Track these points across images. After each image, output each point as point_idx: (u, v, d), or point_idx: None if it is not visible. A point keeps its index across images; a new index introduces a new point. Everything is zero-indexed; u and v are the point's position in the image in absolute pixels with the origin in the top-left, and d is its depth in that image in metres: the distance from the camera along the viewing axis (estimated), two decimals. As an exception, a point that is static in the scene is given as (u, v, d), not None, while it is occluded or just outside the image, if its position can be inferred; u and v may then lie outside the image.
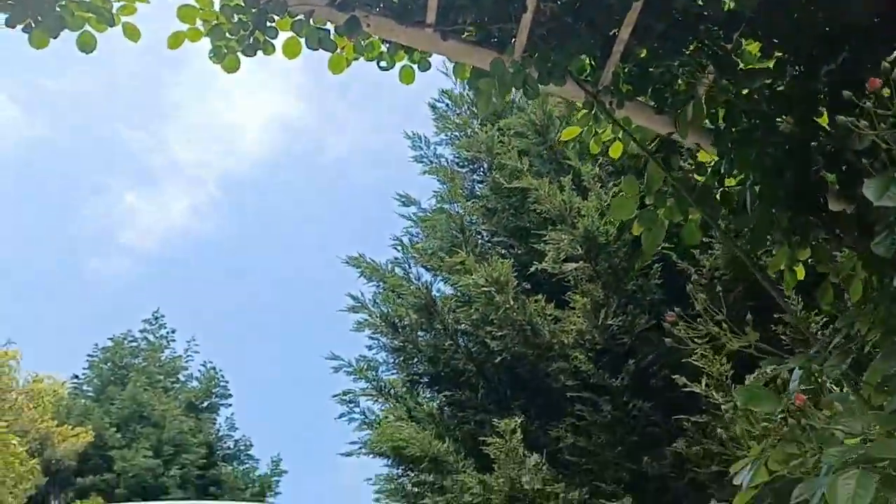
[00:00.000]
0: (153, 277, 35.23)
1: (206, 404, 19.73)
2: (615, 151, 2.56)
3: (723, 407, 3.84)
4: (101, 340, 19.68)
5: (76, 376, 19.53)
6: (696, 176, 2.20)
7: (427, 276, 5.97)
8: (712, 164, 2.17)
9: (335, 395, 5.69)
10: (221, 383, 20.10)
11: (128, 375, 18.53)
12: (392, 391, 5.59)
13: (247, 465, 19.32)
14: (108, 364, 19.15)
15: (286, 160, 40.73)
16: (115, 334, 19.87)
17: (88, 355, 19.74)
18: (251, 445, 19.47)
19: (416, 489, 5.02)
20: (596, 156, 5.06)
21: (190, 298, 33.25)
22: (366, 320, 5.95)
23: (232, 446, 19.34)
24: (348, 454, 5.80)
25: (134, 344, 19.76)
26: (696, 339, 3.88)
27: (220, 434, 19.22)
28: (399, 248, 6.08)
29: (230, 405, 20.25)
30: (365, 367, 5.74)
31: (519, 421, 4.21)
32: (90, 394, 18.78)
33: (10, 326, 19.18)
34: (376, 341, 6.08)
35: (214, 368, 20.13)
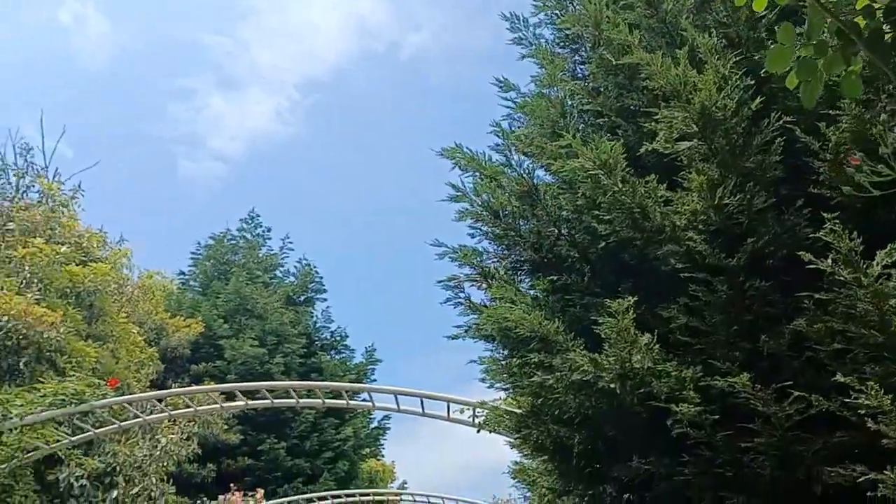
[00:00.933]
0: (242, 180, 36.38)
1: (302, 298, 20.74)
2: (759, 4, 2.38)
3: (850, 283, 3.73)
4: (203, 239, 20.79)
5: (182, 273, 20.83)
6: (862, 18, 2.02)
7: (528, 163, 5.91)
8: (883, 7, 1.99)
9: (440, 281, 5.86)
10: (316, 279, 21.01)
11: (230, 271, 19.60)
12: (497, 276, 5.68)
13: (343, 355, 20.40)
14: (211, 261, 20.27)
15: (364, 60, 40.35)
16: (215, 233, 20.92)
17: (192, 253, 20.96)
18: (346, 336, 20.49)
19: (524, 369, 5.19)
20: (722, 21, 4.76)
21: (279, 199, 34.35)
22: (467, 209, 5.99)
23: (328, 337, 20.39)
24: (453, 337, 6.01)
25: (233, 242, 20.76)
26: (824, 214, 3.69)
27: (318, 325, 20.25)
28: (499, 134, 6.00)
29: (325, 299, 21.24)
30: (470, 252, 5.84)
31: (631, 300, 4.22)
32: (196, 289, 20.03)
33: (117, 227, 20.32)
34: (478, 230, 6.14)
35: (309, 264, 21.02)
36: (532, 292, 5.88)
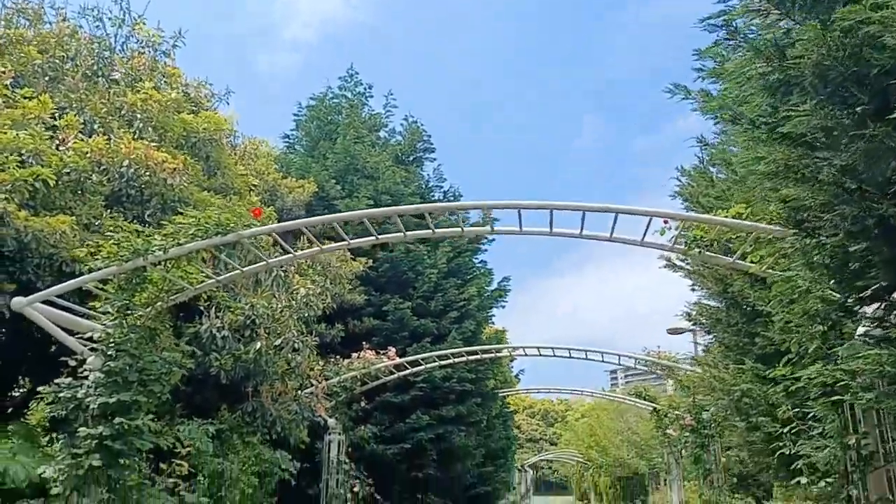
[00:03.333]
0: (321, 68, 34.73)
1: (411, 158, 19.53)
2: None
3: None
4: (304, 100, 19.61)
5: (286, 136, 19.90)
6: None
7: None
8: None
9: (704, 19, 4.33)
10: (424, 136, 19.67)
11: (335, 131, 18.49)
12: None
13: (457, 216, 19.26)
14: (315, 122, 19.18)
15: None
16: (316, 92, 19.70)
17: (294, 115, 19.89)
18: (460, 195, 19.29)
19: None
20: None
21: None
22: None
23: (442, 197, 19.25)
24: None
25: (335, 101, 19.52)
26: None
27: (430, 185, 19.10)
28: None
29: (434, 158, 19.99)
30: None
31: None
32: (302, 152, 19.08)
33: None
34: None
35: (416, 122, 19.64)
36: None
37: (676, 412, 15.07)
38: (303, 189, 16.12)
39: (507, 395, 20.89)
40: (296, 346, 10.44)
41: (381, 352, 14.13)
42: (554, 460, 78.59)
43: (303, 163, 17.55)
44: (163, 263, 6.97)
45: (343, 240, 9.59)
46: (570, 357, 13.82)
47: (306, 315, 10.81)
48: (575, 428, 74.00)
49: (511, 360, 20.73)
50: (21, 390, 11.41)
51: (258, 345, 10.00)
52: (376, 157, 17.80)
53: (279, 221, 15.36)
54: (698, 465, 12.13)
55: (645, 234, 7.57)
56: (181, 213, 9.61)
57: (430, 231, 9.92)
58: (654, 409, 18.88)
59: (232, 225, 7.07)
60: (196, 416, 9.66)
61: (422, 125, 19.60)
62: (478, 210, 18.76)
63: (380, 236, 9.70)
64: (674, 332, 28.09)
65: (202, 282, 7.78)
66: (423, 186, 18.74)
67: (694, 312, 9.55)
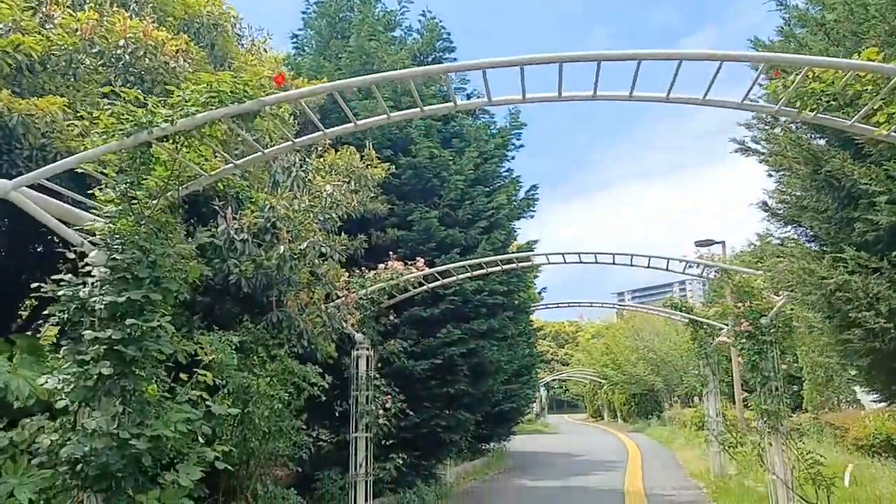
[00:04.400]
0: None
1: (430, 59, 18.03)
2: None
3: None
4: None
5: (295, 35, 18.40)
6: None
7: None
8: None
9: None
10: (443, 35, 18.11)
11: (348, 29, 16.99)
12: None
13: (483, 119, 17.98)
14: (325, 19, 17.65)
15: None
16: (322, -13, 18.07)
17: (303, 13, 18.33)
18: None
19: None
20: None
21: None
22: None
23: (465, 99, 17.86)
24: None
25: (345, -3, 17.90)
26: None
27: (453, 87, 17.63)
28: None
29: (455, 59, 18.47)
30: None
31: None
32: (312, 53, 17.62)
33: None
34: None
35: (435, 18, 18.03)
36: None
37: (724, 321, 14.20)
38: (316, 97, 14.79)
39: (532, 311, 20.04)
40: (323, 250, 9.41)
41: (409, 263, 13.14)
42: (567, 379, 79.44)
43: (314, 63, 16.15)
44: (171, 140, 5.84)
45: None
46: (614, 263, 12.80)
47: (333, 216, 9.75)
48: (588, 348, 74.65)
49: (535, 276, 19.74)
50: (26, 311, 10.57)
51: (281, 249, 8.99)
52: (393, 55, 16.36)
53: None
54: (755, 373, 11.26)
55: (709, 89, 6.10)
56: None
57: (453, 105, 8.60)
58: (691, 320, 18.04)
59: (252, 91, 5.90)
60: (217, 329, 8.75)
61: (440, 23, 18.01)
62: (501, 109, 17.43)
63: (392, 114, 8.10)
64: (702, 244, 27.14)
65: (218, 167, 6.67)
66: (447, 89, 17.30)
67: (773, 201, 8.43)
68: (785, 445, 11.18)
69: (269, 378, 9.20)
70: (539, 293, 23.72)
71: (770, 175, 8.49)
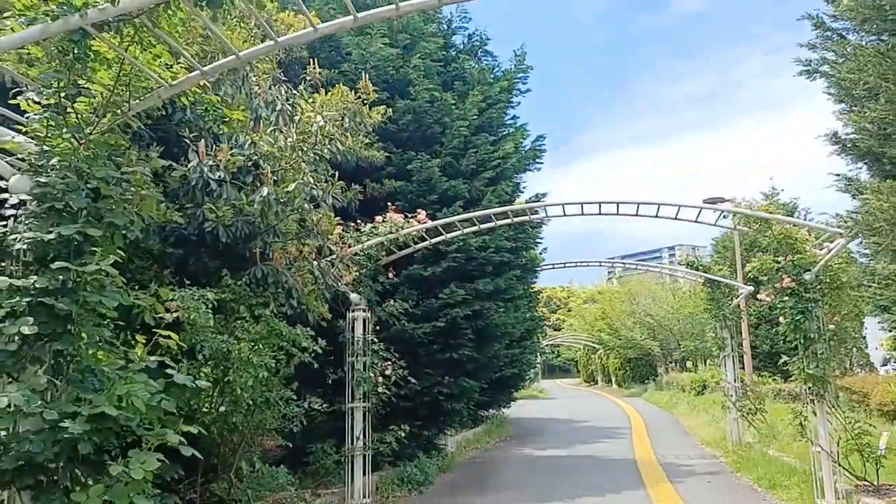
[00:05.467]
0: None
1: (428, -5, 16.49)
2: None
3: None
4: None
5: (280, -31, 16.73)
6: None
7: None
8: None
9: None
10: (442, -31, 16.53)
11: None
12: None
13: (486, 62, 16.51)
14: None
15: None
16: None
17: (287, -57, 16.64)
18: (487, 40, 16.40)
19: None
20: None
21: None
22: None
23: (466, 41, 16.38)
24: None
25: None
26: None
27: (453, 25, 16.15)
28: None
29: (455, -4, 16.91)
30: None
31: None
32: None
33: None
34: None
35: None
36: None
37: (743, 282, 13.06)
38: (304, 24, 13.28)
39: (539, 270, 18.82)
40: (314, 193, 8.07)
41: (410, 215, 11.82)
42: (560, 344, 78.91)
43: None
44: (116, 31, 4.45)
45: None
46: (637, 215, 11.53)
47: (325, 152, 8.38)
48: (582, 312, 73.89)
49: (541, 236, 18.41)
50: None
51: (264, 191, 7.63)
52: (388, -10, 14.81)
53: (279, 65, 12.67)
54: (797, 334, 10.10)
55: None
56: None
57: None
58: (708, 279, 16.90)
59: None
60: (192, 286, 7.45)
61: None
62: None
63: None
64: (712, 201, 25.89)
65: (181, 77, 5.28)
66: (446, 27, 15.81)
67: (847, 130, 7.15)
68: (830, 414, 10.08)
69: (252, 342, 7.94)
70: (540, 254, 22.42)
71: (841, 101, 7.21)
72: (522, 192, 18.04)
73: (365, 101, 10.11)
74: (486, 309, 14.16)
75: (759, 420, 16.47)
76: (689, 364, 51.35)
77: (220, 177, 7.51)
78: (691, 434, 22.05)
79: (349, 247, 11.17)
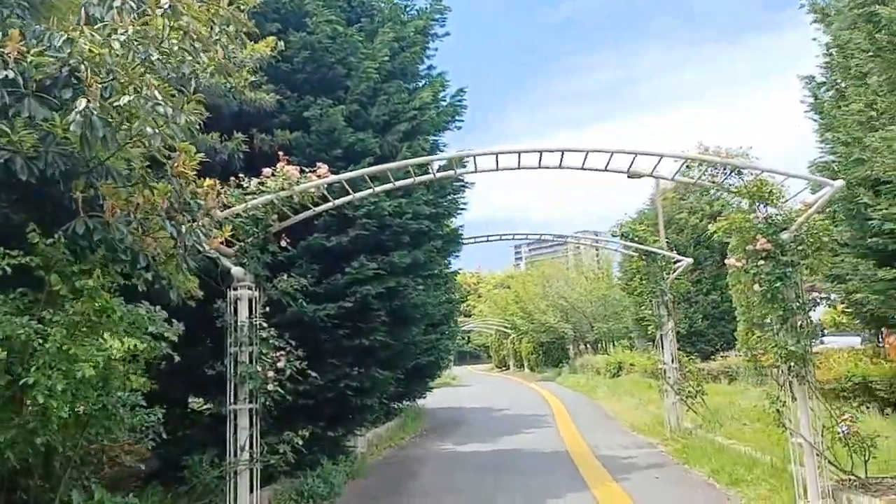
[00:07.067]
0: None
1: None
2: None
3: None
4: None
5: None
6: None
7: None
8: None
9: None
10: None
11: None
12: None
13: None
14: None
15: None
16: None
17: None
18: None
19: None
20: None
21: None
22: None
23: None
24: None
25: None
26: None
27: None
28: None
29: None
30: None
31: None
32: None
33: None
34: None
35: None
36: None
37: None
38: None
39: (462, 242, 16.80)
40: (162, 111, 5.58)
41: (310, 169, 9.48)
42: (471, 330, 77.91)
43: None
44: None
45: None
46: (583, 168, 9.64)
47: (188, 59, 5.90)
48: (494, 297, 73.00)
49: (464, 204, 16.25)
50: None
51: (82, 104, 5.12)
52: None
53: None
54: (774, 305, 8.51)
55: None
56: None
57: None
58: (646, 251, 15.40)
59: None
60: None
61: None
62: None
63: None
64: (635, 175, 24.63)
65: None
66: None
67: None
68: (812, 399, 8.56)
69: (68, 329, 5.46)
70: (457, 230, 20.41)
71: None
72: (442, 151, 15.91)
73: (241, 7, 7.65)
74: (403, 286, 11.99)
75: (698, 404, 15.14)
76: (601, 346, 51.16)
77: (11, 78, 4.97)
78: (617, 419, 20.75)
79: (227, 206, 8.75)
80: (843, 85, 13.58)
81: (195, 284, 7.87)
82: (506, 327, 62.69)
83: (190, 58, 6.20)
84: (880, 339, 19.16)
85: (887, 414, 13.61)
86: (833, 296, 14.93)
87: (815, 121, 15.91)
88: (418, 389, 21.63)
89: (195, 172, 6.91)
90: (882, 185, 12.01)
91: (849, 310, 16.24)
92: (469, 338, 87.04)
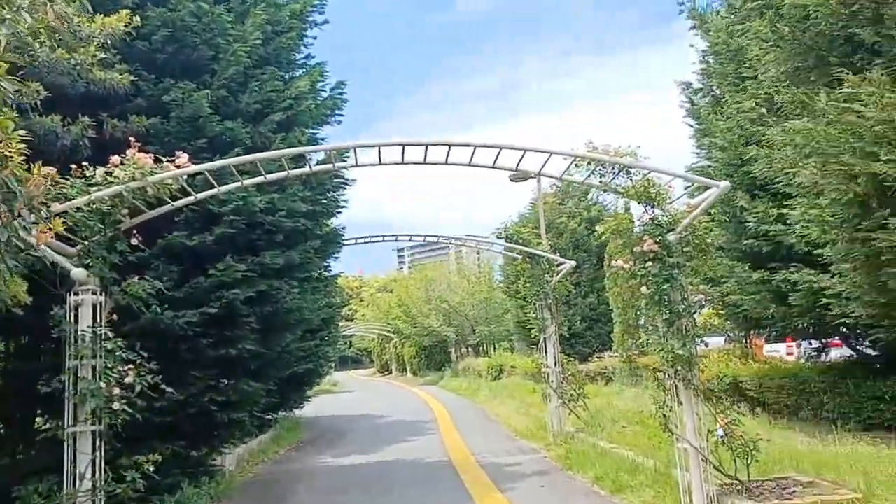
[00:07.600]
0: None
1: None
2: None
3: None
4: None
5: None
6: None
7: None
8: None
9: None
10: None
11: None
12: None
13: None
14: None
15: None
16: None
17: None
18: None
19: None
20: None
21: None
22: None
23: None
24: None
25: None
26: None
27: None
28: None
29: None
30: None
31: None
32: None
33: None
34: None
35: None
36: None
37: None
38: None
39: (342, 244, 15.95)
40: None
41: (169, 159, 8.40)
42: (352, 335, 76.65)
43: None
44: None
45: None
46: (471, 164, 9.13)
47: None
48: (377, 301, 72.19)
49: (345, 201, 15.37)
50: None
51: None
52: None
53: None
54: (661, 307, 8.36)
55: None
56: None
57: None
58: (530, 254, 15.22)
59: None
60: None
61: None
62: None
63: None
64: (519, 179, 24.71)
65: None
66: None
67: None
68: (697, 403, 8.47)
69: None
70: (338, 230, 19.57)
71: None
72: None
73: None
74: (276, 290, 11.04)
75: (580, 407, 15.11)
76: (482, 349, 51.53)
77: None
78: (501, 424, 20.57)
79: (68, 199, 7.57)
80: (717, 92, 14.03)
81: (23, 289, 6.70)
82: (388, 331, 62.05)
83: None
84: (746, 340, 20.09)
85: (757, 413, 14.07)
86: (714, 298, 15.33)
87: (691, 126, 16.38)
88: (295, 399, 20.54)
89: (23, 158, 5.79)
90: (759, 189, 12.37)
91: (723, 311, 16.79)
92: (351, 342, 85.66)
